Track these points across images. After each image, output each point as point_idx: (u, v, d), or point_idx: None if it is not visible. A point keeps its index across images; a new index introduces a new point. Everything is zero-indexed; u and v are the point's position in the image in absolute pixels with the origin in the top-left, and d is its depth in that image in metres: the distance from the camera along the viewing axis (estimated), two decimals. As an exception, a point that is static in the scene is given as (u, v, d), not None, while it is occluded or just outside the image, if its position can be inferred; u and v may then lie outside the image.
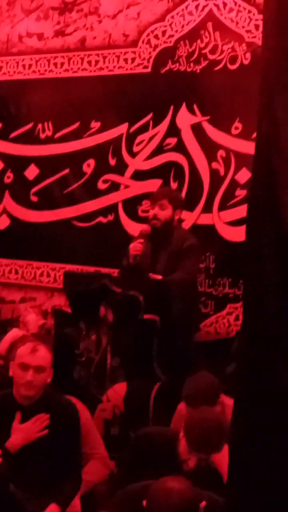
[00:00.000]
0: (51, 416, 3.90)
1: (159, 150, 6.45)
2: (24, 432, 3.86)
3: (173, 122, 6.39)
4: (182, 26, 6.41)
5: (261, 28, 6.01)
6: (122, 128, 6.62)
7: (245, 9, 6.13)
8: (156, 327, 4.99)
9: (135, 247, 5.42)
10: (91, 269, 6.25)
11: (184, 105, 6.33)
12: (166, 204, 5.50)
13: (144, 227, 5.54)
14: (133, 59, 6.61)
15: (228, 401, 4.18)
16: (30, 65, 7.14)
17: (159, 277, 5.25)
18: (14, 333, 5.37)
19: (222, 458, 3.36)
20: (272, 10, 2.02)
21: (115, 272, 5.76)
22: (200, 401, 3.90)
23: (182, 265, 5.40)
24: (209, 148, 6.23)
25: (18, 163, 7.14)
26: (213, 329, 6.09)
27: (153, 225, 5.49)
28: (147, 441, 3.74)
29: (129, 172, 6.60)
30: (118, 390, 5.02)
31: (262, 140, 1.96)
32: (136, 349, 5.05)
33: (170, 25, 6.46)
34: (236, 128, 6.10)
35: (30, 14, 7.16)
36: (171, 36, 6.45)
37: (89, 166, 6.79)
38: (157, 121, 6.45)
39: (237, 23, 6.17)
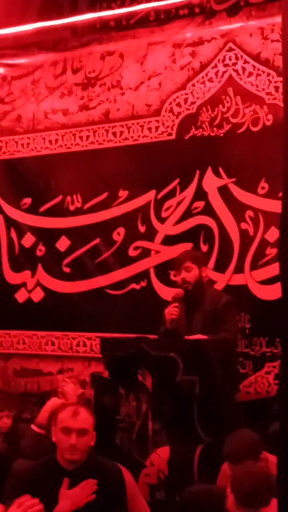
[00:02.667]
0: (97, 480, 3.88)
1: (188, 214, 6.53)
2: (72, 498, 3.83)
3: (199, 186, 6.47)
4: (204, 93, 6.54)
5: (281, 90, 6.16)
6: (150, 195, 6.71)
7: (264, 72, 6.26)
8: (196, 388, 4.96)
9: (171, 311, 5.47)
10: (127, 336, 6.25)
11: (209, 169, 6.42)
12: (191, 265, 5.58)
13: (177, 291, 5.58)
14: (157, 128, 6.74)
15: (271, 458, 4.14)
16: (56, 140, 7.30)
17: (204, 336, 5.27)
18: (53, 402, 5.38)
19: (271, 512, 3.32)
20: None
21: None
22: (242, 457, 3.86)
23: (223, 325, 5.42)
24: (237, 209, 6.29)
25: (49, 236, 7.24)
26: (253, 389, 6.05)
27: (185, 288, 5.54)
28: (194, 500, 3.71)
29: (159, 237, 6.66)
30: (161, 454, 4.99)
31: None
32: (177, 412, 5.02)
33: (192, 92, 6.60)
34: (263, 188, 6.17)
35: (54, 91, 7.35)
36: (193, 103, 6.58)
37: (119, 234, 6.87)
38: (184, 186, 6.54)
39: (257, 86, 6.29)
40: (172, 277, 6.27)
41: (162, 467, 4.96)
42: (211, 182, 6.43)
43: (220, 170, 6.39)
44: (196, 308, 5.57)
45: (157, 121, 6.75)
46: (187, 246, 6.40)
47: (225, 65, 6.45)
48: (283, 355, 2.12)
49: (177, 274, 5.68)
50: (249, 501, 3.39)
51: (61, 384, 5.83)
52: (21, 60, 7.59)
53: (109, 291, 6.87)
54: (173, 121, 6.66)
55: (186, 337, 5.38)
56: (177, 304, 5.48)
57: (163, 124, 6.71)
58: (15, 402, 7.02)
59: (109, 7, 7.06)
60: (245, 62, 6.36)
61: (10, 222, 7.48)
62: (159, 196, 6.67)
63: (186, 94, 6.62)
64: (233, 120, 6.36)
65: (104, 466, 4.00)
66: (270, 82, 6.23)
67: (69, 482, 3.85)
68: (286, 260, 2.03)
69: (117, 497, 3.93)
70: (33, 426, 5.34)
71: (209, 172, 6.43)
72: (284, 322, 2.08)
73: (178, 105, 6.65)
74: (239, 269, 6.23)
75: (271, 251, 6.08)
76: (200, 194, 6.47)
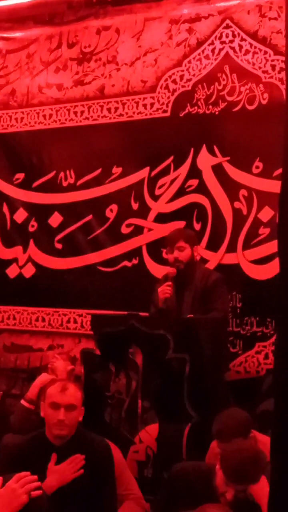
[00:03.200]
0: (85, 455, 3.88)
1: (181, 192, 6.49)
2: (59, 473, 3.84)
3: (194, 164, 6.43)
4: (200, 70, 6.49)
5: (277, 68, 6.12)
6: (144, 172, 6.67)
7: (261, 50, 6.21)
8: (186, 366, 4.96)
9: (164, 290, 5.47)
10: (118, 313, 6.24)
11: (204, 147, 6.38)
12: (184, 244, 5.57)
13: (170, 270, 5.57)
14: (152, 104, 6.69)
15: (260, 437, 4.14)
16: (50, 115, 7.24)
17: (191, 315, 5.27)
18: (43, 377, 5.37)
19: (260, 489, 3.32)
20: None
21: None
22: (232, 435, 3.87)
23: (214, 304, 5.42)
24: (231, 188, 6.26)
25: (41, 212, 7.20)
26: (243, 369, 6.04)
27: (177, 267, 5.54)
28: (182, 476, 3.72)
29: (152, 215, 6.63)
30: (150, 431, 5.00)
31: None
32: (167, 389, 5.02)
33: (188, 69, 6.55)
34: (257, 167, 6.14)
35: (49, 66, 7.29)
36: (189, 80, 6.53)
37: (112, 211, 6.84)
38: (178, 163, 6.50)
39: (253, 64, 6.24)
40: (164, 255, 6.24)
41: (151, 444, 4.97)
42: (205, 160, 6.39)
43: (215, 148, 6.35)
44: (187, 287, 5.56)
45: (152, 97, 6.69)
46: (180, 224, 6.37)
47: (222, 43, 6.39)
48: (278, 331, 2.10)
49: (169, 253, 5.66)
50: (238, 477, 3.40)
51: (51, 360, 5.83)
52: (16, 34, 7.51)
53: (101, 268, 6.85)
54: (168, 98, 6.61)
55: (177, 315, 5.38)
56: (170, 283, 5.48)
57: (158, 101, 6.66)
58: (5, 378, 7.02)
59: (106, -19, 6.99)
60: (242, 39, 6.30)
61: (2, 197, 7.43)
62: (153, 173, 6.63)
63: (182, 71, 6.57)
64: (229, 98, 6.32)
65: (93, 441, 4.00)
66: (267, 60, 6.17)
67: (57, 457, 3.85)
68: (284, 237, 2.00)
69: (105, 472, 3.95)
70: (22, 401, 5.34)
71: (203, 150, 6.39)
72: (280, 298, 2.06)
73: (174, 82, 6.60)
74: (231, 248, 6.21)
75: (264, 231, 6.06)
76: (194, 172, 6.43)
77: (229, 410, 4.26)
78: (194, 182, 6.44)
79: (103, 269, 6.84)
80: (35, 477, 2.62)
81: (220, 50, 6.40)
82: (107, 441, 4.16)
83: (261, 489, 3.27)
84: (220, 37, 6.41)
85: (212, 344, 5.17)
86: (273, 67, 6.14)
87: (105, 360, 5.28)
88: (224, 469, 3.42)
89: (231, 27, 6.36)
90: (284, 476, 2.00)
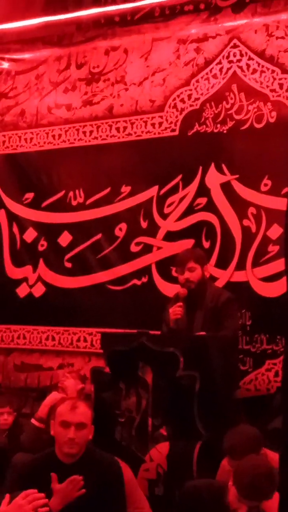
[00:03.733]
0: (95, 473, 3.88)
1: (190, 210, 6.51)
2: (61, 493, 3.83)
3: (202, 182, 6.46)
4: (207, 89, 6.53)
5: (285, 87, 6.16)
6: (152, 191, 6.70)
7: (268, 69, 6.24)
8: (196, 384, 4.96)
9: (175, 311, 5.48)
10: (128, 331, 6.24)
11: (212, 165, 6.41)
12: (194, 265, 5.59)
13: (181, 290, 5.58)
14: (160, 124, 6.73)
15: (271, 455, 4.13)
16: (59, 135, 7.29)
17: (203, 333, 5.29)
18: (53, 396, 5.39)
19: (273, 506, 3.31)
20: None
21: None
22: (244, 451, 3.86)
23: (224, 322, 5.44)
24: (240, 206, 6.28)
25: (51, 231, 7.23)
26: (253, 386, 6.03)
27: (188, 287, 5.55)
28: (195, 494, 3.71)
29: (161, 233, 6.65)
30: (161, 450, 4.99)
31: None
32: (177, 407, 5.02)
33: (196, 88, 6.59)
34: (266, 185, 6.15)
35: (58, 86, 7.35)
36: (197, 99, 6.57)
37: (121, 230, 6.86)
38: (186, 182, 6.53)
39: (261, 83, 6.28)
40: (173, 273, 6.26)
41: (162, 462, 4.96)
42: (214, 178, 6.41)
43: (223, 166, 6.37)
44: (197, 306, 5.58)
45: (161, 117, 6.73)
46: (189, 242, 6.39)
47: (230, 62, 6.44)
48: (287, 348, 2.11)
49: (179, 273, 5.68)
50: (251, 494, 3.39)
51: (61, 379, 5.84)
52: (26, 55, 7.58)
53: (110, 286, 6.86)
54: (176, 117, 6.65)
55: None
56: (181, 303, 5.49)
57: (166, 120, 6.70)
58: (15, 397, 7.02)
59: (114, 2, 7.04)
60: (250, 58, 6.34)
61: (12, 217, 7.47)
62: (162, 192, 6.66)
63: (190, 90, 6.61)
64: (237, 117, 6.35)
65: (103, 460, 4.00)
66: (274, 79, 6.21)
67: (68, 475, 3.84)
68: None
69: (115, 490, 3.94)
70: (33, 420, 5.36)
71: (212, 169, 6.42)
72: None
73: (182, 101, 6.64)
74: (240, 266, 6.21)
75: (273, 248, 6.07)
76: (203, 190, 6.45)
77: (240, 427, 4.27)
78: (202, 200, 6.46)
79: (112, 287, 6.86)
80: (43, 494, 2.63)
81: (228, 69, 6.45)
82: (117, 460, 4.16)
83: (275, 505, 3.26)
84: (228, 56, 6.45)
85: (222, 362, 5.18)
86: (281, 85, 6.17)
87: (115, 378, 5.29)
88: (237, 485, 3.41)
89: (238, 46, 6.41)
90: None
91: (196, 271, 5.60)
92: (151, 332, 5.45)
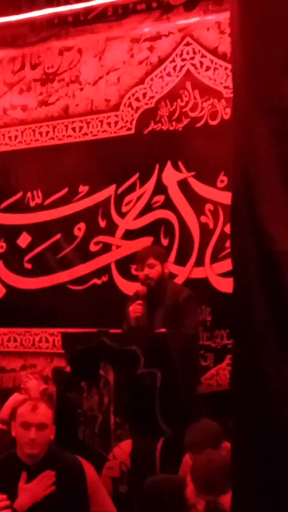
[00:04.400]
0: (57, 474, 3.88)
1: (148, 208, 6.55)
2: (31, 491, 3.83)
3: (159, 180, 6.50)
4: (162, 87, 6.57)
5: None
6: (110, 190, 6.72)
7: (221, 66, 6.29)
8: (157, 381, 4.98)
9: (135, 309, 5.49)
10: (88, 331, 6.26)
11: (169, 163, 6.45)
12: (154, 262, 5.59)
13: (140, 288, 5.59)
14: (116, 123, 6.75)
15: (234, 449, 4.16)
16: (16, 136, 7.28)
17: (163, 330, 5.30)
18: (15, 397, 5.38)
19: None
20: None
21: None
22: (203, 446, 3.88)
23: (184, 320, 5.45)
24: (197, 202, 6.33)
25: (10, 232, 7.22)
26: (215, 382, 6.09)
27: (148, 285, 5.56)
28: (155, 488, 3.72)
29: (119, 232, 6.68)
30: (124, 447, 5.00)
31: (238, 154, 2.03)
32: (139, 405, 5.04)
33: (150, 87, 6.63)
34: (222, 181, 6.20)
35: (13, 87, 7.33)
36: (152, 97, 6.60)
37: (80, 229, 6.87)
38: (143, 180, 6.56)
39: (214, 80, 6.33)
40: (133, 272, 6.28)
41: (125, 460, 4.97)
42: (170, 176, 6.46)
43: (180, 164, 6.42)
44: (158, 304, 5.58)
45: (116, 116, 6.76)
46: (148, 240, 6.43)
47: (183, 60, 6.48)
48: (234, 348, 2.14)
49: (139, 270, 5.68)
50: (208, 488, 3.40)
51: (24, 380, 5.83)
52: (-21, 56, 7.55)
53: (70, 286, 6.87)
54: (132, 115, 6.68)
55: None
56: (141, 301, 5.50)
57: (122, 119, 6.73)
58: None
59: (67, 2, 7.04)
60: (203, 56, 6.39)
61: None
62: (119, 190, 6.68)
63: (145, 88, 6.64)
64: (192, 114, 6.39)
65: (65, 459, 4.00)
66: (227, 76, 6.25)
67: (30, 476, 3.85)
68: (236, 218, 2.04)
69: (77, 490, 3.94)
70: (-6, 422, 5.34)
71: (168, 166, 6.46)
72: (236, 315, 2.10)
73: (137, 99, 6.67)
74: (199, 262, 6.26)
75: (231, 244, 6.10)
76: (160, 188, 6.49)
77: (200, 422, 4.28)
78: (160, 198, 6.50)
79: (73, 287, 6.87)
80: (4, 496, 2.63)
81: (182, 67, 6.49)
82: (80, 459, 4.16)
83: (232, 499, 3.29)
84: (181, 54, 6.49)
85: (182, 359, 5.19)
86: (234, 82, 6.20)
87: (77, 378, 5.28)
88: (194, 480, 3.42)
89: (191, 44, 6.45)
90: (243, 483, 2.04)
91: (155, 268, 5.60)
92: (112, 330, 5.47)
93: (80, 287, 6.83)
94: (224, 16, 6.30)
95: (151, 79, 6.62)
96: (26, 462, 3.88)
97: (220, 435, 4.12)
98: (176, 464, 4.52)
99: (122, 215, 6.66)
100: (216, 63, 6.33)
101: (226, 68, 6.26)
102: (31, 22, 7.25)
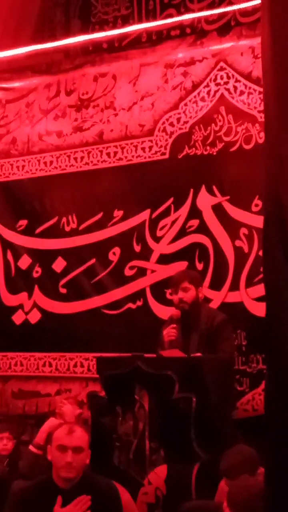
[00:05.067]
0: (93, 498, 3.87)
1: (182, 232, 6.55)
2: None
3: (194, 205, 6.50)
4: (196, 112, 6.59)
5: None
6: (145, 215, 6.74)
7: (255, 90, 6.30)
8: (192, 406, 4.96)
9: (169, 333, 5.50)
10: (123, 355, 6.25)
11: (203, 187, 6.46)
12: (188, 285, 5.61)
13: (174, 312, 5.60)
14: (150, 147, 6.78)
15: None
16: (51, 162, 7.33)
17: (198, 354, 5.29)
18: (51, 422, 5.39)
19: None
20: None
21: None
22: (239, 472, 3.86)
23: (220, 344, 5.44)
24: (231, 227, 6.32)
25: (45, 257, 7.26)
26: (250, 407, 6.04)
27: (182, 308, 5.57)
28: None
29: (154, 256, 6.68)
30: (159, 473, 4.99)
31: (270, 178, 2.04)
32: (174, 430, 5.02)
33: (184, 112, 6.65)
34: (256, 205, 6.19)
35: (48, 114, 7.40)
36: (186, 122, 6.63)
37: (114, 254, 6.89)
38: (178, 204, 6.57)
39: (248, 104, 6.34)
40: (168, 296, 6.27)
41: (160, 486, 4.95)
42: (205, 200, 6.46)
43: (214, 188, 6.42)
44: (192, 328, 5.59)
45: (151, 141, 6.79)
46: (182, 264, 6.42)
47: (217, 84, 6.50)
48: (268, 372, 2.14)
49: (173, 294, 5.70)
50: (245, 514, 3.38)
51: (59, 405, 5.84)
52: (15, 84, 7.65)
53: (105, 311, 6.88)
54: (166, 140, 6.70)
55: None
56: (175, 325, 5.51)
57: (156, 144, 6.75)
58: (14, 424, 7.01)
59: (102, 29, 7.12)
60: (237, 81, 6.41)
61: (6, 244, 7.51)
62: (154, 215, 6.70)
63: (179, 113, 6.67)
64: (226, 139, 6.40)
65: (100, 484, 4.00)
66: (261, 100, 6.22)
67: (65, 500, 3.84)
68: (270, 280, 2.04)
69: (112, 513, 3.93)
70: (31, 447, 5.36)
71: (203, 191, 6.46)
72: (269, 339, 2.10)
73: (171, 124, 6.70)
74: (234, 286, 6.24)
75: (266, 268, 6.07)
76: (195, 212, 6.49)
77: (236, 448, 4.26)
78: (194, 223, 6.50)
79: (108, 312, 6.88)
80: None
81: (216, 92, 6.51)
82: (115, 484, 4.15)
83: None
84: (215, 79, 6.52)
85: (218, 384, 5.18)
86: (268, 106, 6.21)
87: (112, 403, 5.29)
88: (230, 506, 3.40)
89: (225, 69, 6.47)
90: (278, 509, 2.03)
91: (190, 292, 5.62)
92: (147, 355, 5.46)
93: (115, 312, 6.84)
94: (257, 41, 6.31)
95: (185, 104, 6.65)
96: (62, 486, 3.88)
97: (256, 461, 4.10)
98: (212, 490, 4.49)
99: (157, 239, 6.68)
100: (250, 88, 6.34)
101: (260, 93, 6.25)
102: (66, 49, 7.34)
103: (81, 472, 3.91)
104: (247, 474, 3.80)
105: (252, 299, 6.15)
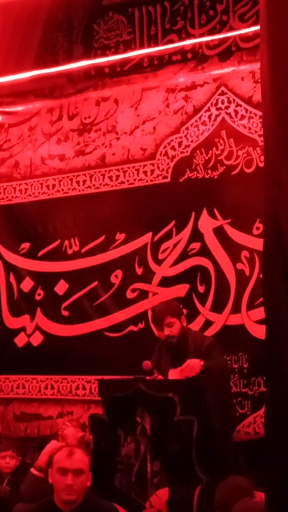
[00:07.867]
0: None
1: (184, 255, 6.59)
2: None
3: (195, 228, 6.54)
4: (197, 136, 6.65)
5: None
6: (147, 238, 6.78)
7: (256, 115, 6.36)
8: (194, 428, 4.96)
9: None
10: (125, 378, 6.26)
11: (205, 210, 6.50)
12: (171, 320, 5.60)
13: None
14: (152, 171, 6.83)
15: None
16: (53, 185, 7.38)
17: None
18: (52, 445, 5.38)
19: None
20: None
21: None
22: (233, 503, 3.83)
23: (212, 363, 5.43)
24: (233, 249, 6.35)
25: (47, 280, 7.29)
26: (252, 429, 6.05)
27: (170, 343, 5.58)
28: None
29: (156, 279, 6.72)
30: (161, 496, 4.98)
31: (269, 202, 2.07)
32: (176, 452, 5.02)
33: (186, 136, 6.71)
34: (257, 228, 6.22)
35: (51, 137, 7.46)
36: (187, 146, 6.68)
37: (117, 277, 6.92)
38: (179, 227, 6.62)
39: (249, 128, 6.40)
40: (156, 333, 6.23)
41: (162, 508, 4.94)
42: (206, 223, 6.50)
43: (215, 211, 6.46)
44: (183, 356, 5.56)
45: (152, 164, 6.84)
46: (184, 287, 6.45)
47: (218, 109, 6.56)
48: (267, 394, 2.16)
49: (159, 331, 5.70)
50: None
51: (61, 427, 5.83)
52: (18, 108, 7.71)
53: (107, 333, 6.90)
54: (168, 164, 6.75)
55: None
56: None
57: (158, 168, 6.80)
58: (16, 447, 7.01)
59: (104, 54, 7.19)
60: (238, 105, 6.47)
61: (9, 267, 7.54)
62: (156, 238, 6.74)
63: (180, 137, 6.72)
64: (227, 162, 6.45)
65: (101, 507, 3.99)
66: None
67: (66, 523, 3.84)
68: (269, 303, 2.07)
69: (114, 538, 3.93)
70: (32, 470, 5.34)
71: (204, 214, 6.51)
72: (268, 361, 2.12)
73: (173, 148, 6.75)
74: (236, 309, 6.27)
75: (267, 291, 6.10)
76: (196, 235, 6.53)
77: (228, 480, 4.22)
78: (196, 245, 6.54)
79: (110, 334, 6.90)
80: None
81: (217, 116, 6.57)
82: (116, 506, 4.16)
83: None
84: (216, 104, 6.58)
85: (217, 401, 5.18)
86: (269, 130, 6.26)
87: (114, 425, 5.29)
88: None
89: (226, 93, 6.53)
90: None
91: (175, 325, 5.60)
92: (149, 377, 5.47)
93: (117, 334, 6.86)
94: (258, 66, 6.30)
95: (187, 128, 6.71)
96: (63, 509, 3.88)
97: (250, 487, 4.08)
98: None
99: (159, 262, 6.71)
100: (251, 112, 6.40)
101: (260, 117, 6.29)
102: (68, 74, 7.41)
103: (82, 495, 3.90)
104: (248, 497, 3.80)
105: (254, 321, 6.17)
